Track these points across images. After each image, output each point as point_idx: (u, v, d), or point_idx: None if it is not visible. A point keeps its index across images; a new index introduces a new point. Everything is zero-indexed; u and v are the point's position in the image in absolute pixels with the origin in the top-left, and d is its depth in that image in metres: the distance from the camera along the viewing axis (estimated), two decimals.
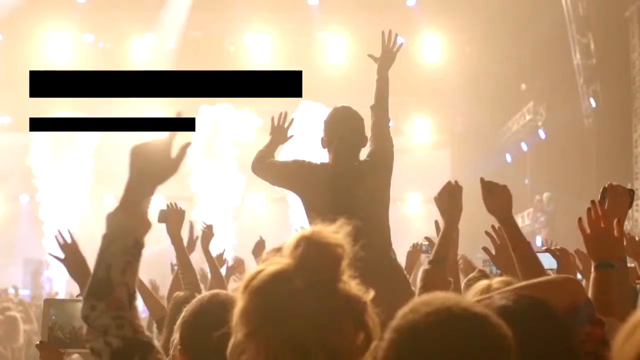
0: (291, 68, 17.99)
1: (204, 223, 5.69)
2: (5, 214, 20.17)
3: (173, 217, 4.91)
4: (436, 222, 4.38)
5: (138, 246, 2.02)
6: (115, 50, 19.42)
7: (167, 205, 4.99)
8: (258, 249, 6.66)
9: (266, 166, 4.82)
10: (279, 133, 5.05)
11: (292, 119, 5.09)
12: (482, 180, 3.39)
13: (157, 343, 2.07)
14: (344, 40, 19.62)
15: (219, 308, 2.39)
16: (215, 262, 5.51)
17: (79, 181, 18.53)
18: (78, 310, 3.34)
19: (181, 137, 2.02)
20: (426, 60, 19.57)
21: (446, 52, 19.81)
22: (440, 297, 1.60)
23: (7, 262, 18.58)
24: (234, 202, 19.36)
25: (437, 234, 4.25)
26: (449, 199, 3.59)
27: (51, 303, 3.73)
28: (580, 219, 3.00)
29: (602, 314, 2.67)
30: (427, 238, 5.84)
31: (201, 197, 18.97)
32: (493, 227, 4.00)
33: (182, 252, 4.88)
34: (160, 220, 4.90)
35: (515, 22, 17.47)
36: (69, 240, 3.62)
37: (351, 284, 1.66)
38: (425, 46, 19.75)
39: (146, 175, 2.04)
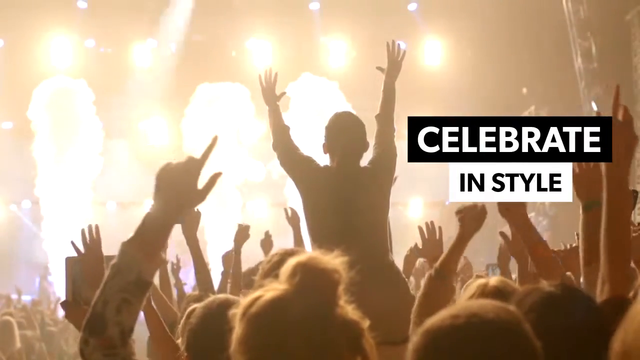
0: (293, 73, 17.98)
1: (240, 224, 5.67)
2: (7, 219, 20.17)
3: (189, 218, 4.94)
4: (420, 228, 4.42)
5: (140, 283, 1.93)
6: (116, 55, 19.43)
7: None
8: (267, 242, 6.64)
9: (284, 149, 4.84)
10: (271, 92, 5.06)
11: (276, 74, 5.10)
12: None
13: None
14: (345, 45, 19.63)
15: (225, 316, 2.38)
16: (240, 263, 5.50)
17: (81, 187, 18.52)
18: None
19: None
20: (427, 64, 19.56)
21: (447, 56, 19.80)
22: (468, 305, 1.60)
23: (9, 267, 18.57)
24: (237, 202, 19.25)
25: (422, 238, 4.34)
26: (472, 219, 3.62)
27: (74, 261, 3.64)
28: None
29: (594, 256, 2.71)
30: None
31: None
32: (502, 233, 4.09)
33: (197, 253, 4.91)
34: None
35: (517, 25, 17.46)
36: (94, 237, 3.56)
37: (348, 309, 1.67)
38: (426, 50, 19.75)
39: (170, 202, 1.95)
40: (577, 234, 3.34)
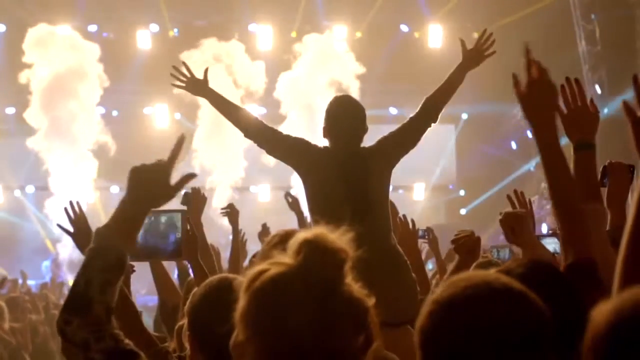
0: (294, 57, 17.94)
1: (230, 204, 5.73)
2: (11, 205, 20.20)
3: (195, 201, 4.96)
4: (403, 216, 4.77)
5: (120, 264, 2.04)
6: (119, 40, 19.39)
7: (192, 189, 5.04)
8: (264, 233, 6.69)
9: (263, 135, 4.75)
10: (195, 82, 4.99)
11: (184, 62, 5.06)
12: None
13: (169, 339, 2.07)
14: (347, 29, 19.56)
15: (227, 293, 2.40)
16: (238, 243, 5.56)
17: (85, 171, 18.48)
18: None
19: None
20: (431, 48, 19.49)
21: (451, 39, 19.73)
22: (479, 274, 1.64)
23: (13, 252, 18.63)
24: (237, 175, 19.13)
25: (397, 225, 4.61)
26: (468, 253, 3.75)
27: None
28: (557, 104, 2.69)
29: (586, 198, 2.63)
30: (428, 228, 6.04)
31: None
32: (515, 191, 4.06)
33: (202, 237, 4.94)
34: (182, 202, 4.98)
35: (520, 8, 17.41)
36: (77, 213, 3.73)
37: (353, 287, 1.66)
38: (430, 33, 19.66)
39: (141, 198, 2.10)
40: None
